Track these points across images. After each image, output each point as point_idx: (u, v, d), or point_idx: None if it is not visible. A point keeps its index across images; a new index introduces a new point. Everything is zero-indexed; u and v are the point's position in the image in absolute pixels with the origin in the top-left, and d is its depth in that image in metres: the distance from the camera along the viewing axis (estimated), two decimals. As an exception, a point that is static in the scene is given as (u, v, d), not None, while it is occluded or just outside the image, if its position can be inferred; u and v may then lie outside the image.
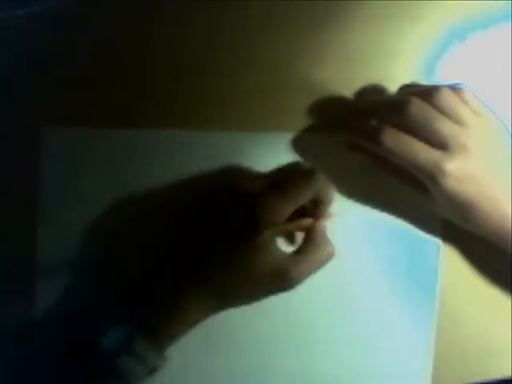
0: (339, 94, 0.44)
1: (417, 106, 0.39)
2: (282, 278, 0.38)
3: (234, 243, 0.38)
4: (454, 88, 0.40)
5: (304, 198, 0.39)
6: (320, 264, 0.40)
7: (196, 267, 0.39)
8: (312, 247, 0.40)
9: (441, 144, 0.39)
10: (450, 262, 0.45)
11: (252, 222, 0.38)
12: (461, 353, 0.46)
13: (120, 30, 0.42)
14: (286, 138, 0.44)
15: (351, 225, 0.44)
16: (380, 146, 0.39)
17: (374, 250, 0.45)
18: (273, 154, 0.44)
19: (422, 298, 0.45)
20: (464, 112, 0.39)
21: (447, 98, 0.39)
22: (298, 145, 0.44)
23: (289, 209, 0.39)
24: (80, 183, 0.42)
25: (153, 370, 0.38)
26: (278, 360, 0.44)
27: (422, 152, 0.39)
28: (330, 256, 0.40)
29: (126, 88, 0.42)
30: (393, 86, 0.44)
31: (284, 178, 0.40)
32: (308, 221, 0.41)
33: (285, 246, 0.43)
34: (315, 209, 0.41)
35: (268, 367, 0.44)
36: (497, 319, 0.46)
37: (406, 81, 0.44)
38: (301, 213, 0.40)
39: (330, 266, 0.43)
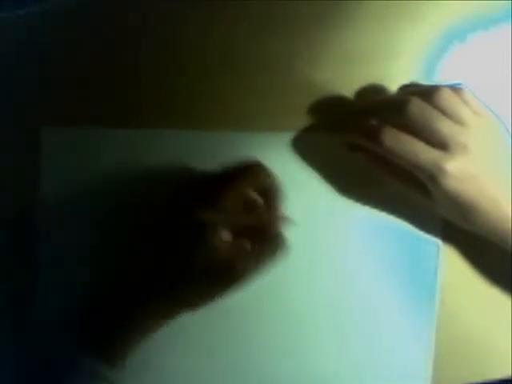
0: (339, 94, 0.44)
1: (417, 106, 0.39)
2: (229, 273, 0.38)
3: (181, 241, 0.38)
4: (454, 88, 0.40)
5: (245, 186, 0.39)
6: (268, 259, 0.39)
7: (145, 276, 0.38)
8: (262, 242, 0.39)
9: (441, 144, 0.39)
10: (450, 262, 0.45)
11: (197, 214, 0.37)
12: (461, 353, 0.46)
13: (120, 30, 0.42)
14: (285, 137, 0.44)
15: (351, 225, 0.44)
16: (380, 146, 0.39)
17: (374, 250, 0.44)
18: (273, 153, 0.44)
19: (422, 297, 0.45)
20: (464, 112, 0.39)
21: (447, 98, 0.39)
22: (298, 145, 0.44)
23: (232, 196, 0.38)
24: (80, 183, 0.42)
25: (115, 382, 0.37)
26: (278, 360, 0.44)
27: (422, 152, 0.39)
28: (281, 252, 0.39)
29: (126, 88, 0.42)
30: (393, 86, 0.44)
31: (227, 170, 0.40)
32: (258, 216, 0.40)
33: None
34: (265, 205, 0.40)
35: (267, 367, 0.44)
36: (497, 319, 0.46)
37: (406, 81, 0.44)
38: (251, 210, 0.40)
39: (330, 265, 0.44)
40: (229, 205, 0.38)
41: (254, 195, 0.40)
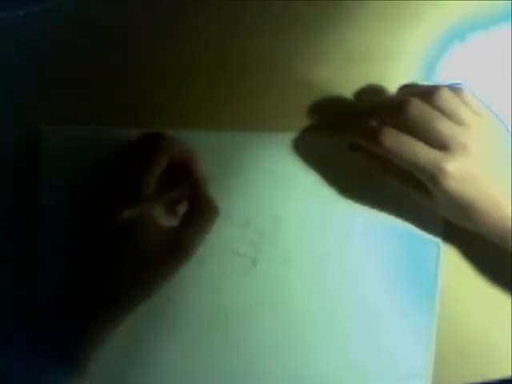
0: (339, 94, 0.44)
1: (416, 107, 0.39)
2: (175, 251, 0.38)
3: (116, 232, 0.38)
4: (454, 88, 0.40)
5: (159, 163, 0.39)
6: (207, 228, 0.39)
7: (88, 277, 0.38)
8: (195, 213, 0.39)
9: (441, 144, 0.39)
10: (450, 262, 0.45)
11: (121, 203, 0.37)
12: (461, 353, 0.46)
13: (120, 30, 0.42)
14: (285, 138, 0.44)
15: (351, 225, 0.44)
16: (380, 147, 0.39)
17: (374, 251, 0.44)
18: (273, 154, 0.43)
19: (422, 298, 0.45)
20: (464, 112, 0.39)
21: (447, 98, 0.39)
22: (298, 145, 0.44)
23: (148, 177, 0.38)
24: (80, 183, 0.42)
25: None
26: (278, 360, 0.44)
27: (422, 152, 0.39)
28: (214, 217, 0.40)
29: (126, 88, 0.42)
30: (393, 86, 0.44)
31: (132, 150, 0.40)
32: (181, 189, 0.40)
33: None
34: (185, 175, 0.40)
35: (268, 367, 0.44)
36: (497, 319, 0.46)
37: (406, 81, 0.44)
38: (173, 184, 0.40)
39: (330, 266, 0.44)
40: (148, 191, 0.38)
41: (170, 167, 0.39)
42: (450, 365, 0.45)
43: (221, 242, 0.43)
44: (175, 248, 0.38)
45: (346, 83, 0.44)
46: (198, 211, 0.39)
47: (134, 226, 0.38)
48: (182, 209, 0.40)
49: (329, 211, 0.44)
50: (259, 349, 0.43)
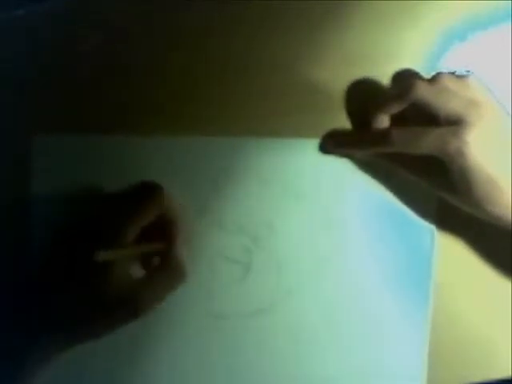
0: (339, 94, 0.44)
1: (422, 87, 0.38)
2: (130, 306, 0.37)
3: (79, 272, 0.37)
4: (456, 74, 0.40)
5: (146, 215, 0.38)
6: (169, 289, 0.38)
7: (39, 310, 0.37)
8: (161, 272, 0.38)
9: (454, 120, 0.37)
10: (446, 261, 0.45)
11: (96, 246, 0.36)
12: (459, 353, 0.46)
13: (120, 31, 0.42)
14: (279, 144, 0.43)
15: (345, 231, 0.44)
16: (392, 147, 0.39)
17: (369, 255, 0.44)
18: (267, 160, 0.43)
19: (416, 298, 0.45)
20: (470, 92, 0.38)
21: (451, 80, 0.38)
22: (292, 151, 0.44)
23: (132, 228, 0.37)
24: (74, 191, 0.41)
25: None
26: (276, 360, 0.44)
27: (438, 133, 0.37)
28: (180, 281, 0.39)
29: (123, 91, 0.42)
30: (393, 87, 0.44)
31: (128, 196, 0.39)
32: (157, 245, 0.39)
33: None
34: (166, 231, 0.39)
35: (266, 368, 0.44)
36: (495, 319, 0.46)
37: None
38: (152, 236, 0.39)
39: (323, 271, 0.44)
40: (130, 239, 0.37)
41: (154, 221, 0.38)
42: (449, 365, 0.45)
43: (214, 248, 0.43)
44: (130, 302, 0.37)
45: (345, 83, 0.44)
46: (165, 272, 0.38)
47: (104, 268, 0.36)
48: (154, 264, 0.39)
49: (323, 217, 0.44)
50: (253, 355, 0.43)
